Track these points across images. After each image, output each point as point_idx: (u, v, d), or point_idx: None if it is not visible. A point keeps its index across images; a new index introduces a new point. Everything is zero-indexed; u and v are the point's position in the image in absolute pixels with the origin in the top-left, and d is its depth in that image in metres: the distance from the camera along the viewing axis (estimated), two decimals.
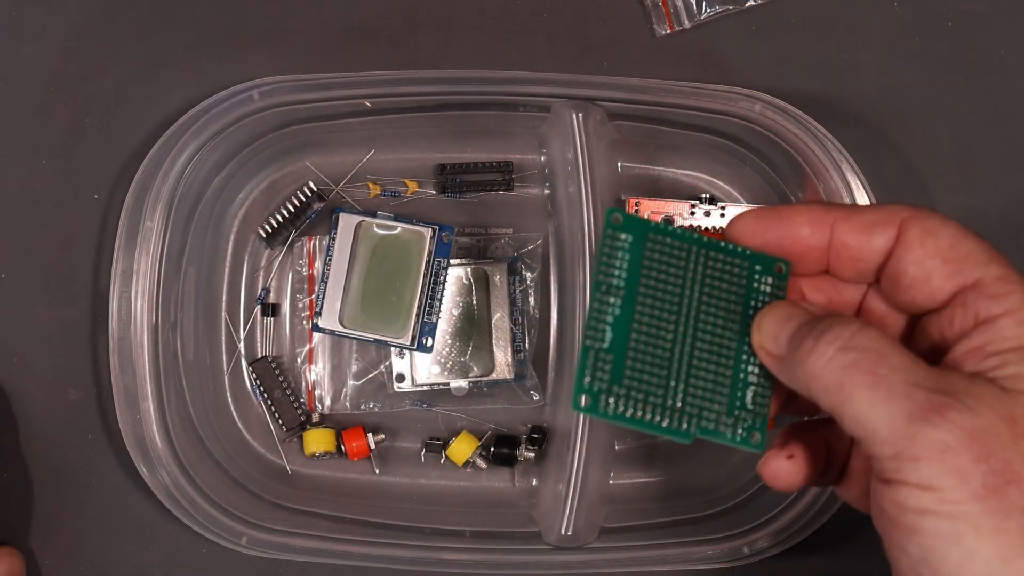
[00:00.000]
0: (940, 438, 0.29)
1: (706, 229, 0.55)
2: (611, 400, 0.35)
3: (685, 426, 0.35)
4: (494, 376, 0.56)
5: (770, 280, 0.36)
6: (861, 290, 0.36)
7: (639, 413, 0.35)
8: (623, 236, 0.35)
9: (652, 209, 0.56)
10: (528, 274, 0.57)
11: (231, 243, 0.57)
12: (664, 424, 0.35)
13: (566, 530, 0.51)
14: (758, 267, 0.36)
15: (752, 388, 0.36)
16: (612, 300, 0.35)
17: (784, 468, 0.37)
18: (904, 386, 0.30)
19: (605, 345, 0.35)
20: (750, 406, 0.36)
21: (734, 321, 0.36)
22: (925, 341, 0.34)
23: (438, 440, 0.57)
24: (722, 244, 0.36)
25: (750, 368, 0.36)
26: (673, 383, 0.35)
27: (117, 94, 0.56)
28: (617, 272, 0.35)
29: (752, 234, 0.36)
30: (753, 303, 0.36)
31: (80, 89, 0.56)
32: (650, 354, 0.35)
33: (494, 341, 0.56)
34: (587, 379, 0.35)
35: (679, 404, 0.35)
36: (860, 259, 0.35)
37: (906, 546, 0.30)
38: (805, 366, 0.32)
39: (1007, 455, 0.29)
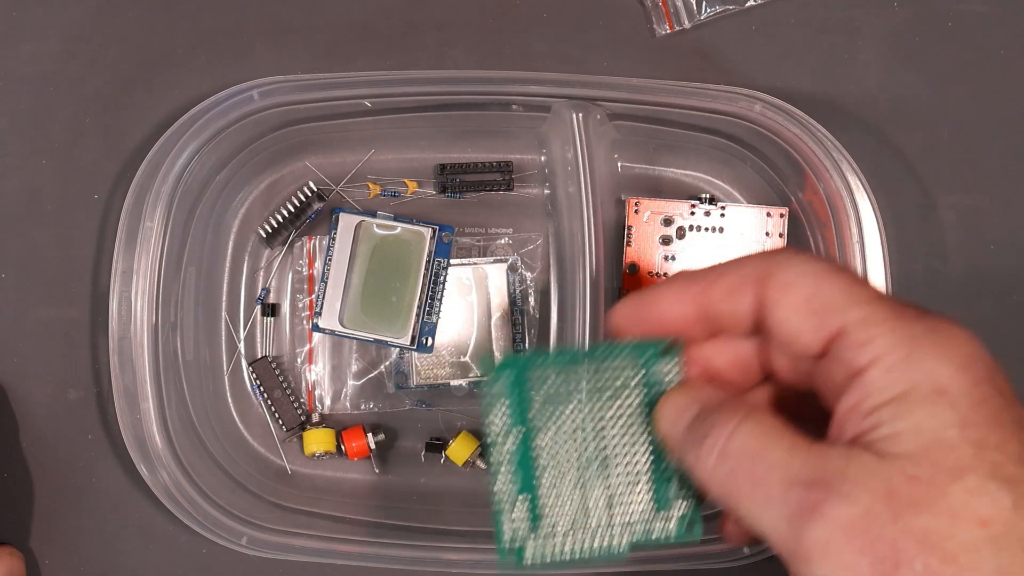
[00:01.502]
0: (821, 537, 0.29)
1: (706, 229, 0.55)
2: (539, 543, 0.34)
3: (618, 541, 0.34)
4: None
5: (664, 364, 0.35)
6: (755, 343, 0.35)
7: (571, 546, 0.34)
8: (501, 379, 0.35)
9: (652, 209, 0.55)
10: (528, 274, 0.57)
11: (231, 243, 0.57)
12: (598, 547, 0.34)
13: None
14: (647, 356, 0.35)
15: (673, 481, 0.35)
16: (508, 444, 0.34)
17: (737, 530, 0.36)
18: (781, 487, 0.30)
19: (517, 490, 0.34)
20: (676, 499, 0.35)
21: (639, 420, 0.35)
22: (823, 393, 0.33)
23: (438, 440, 0.57)
24: (601, 349, 0.35)
25: (665, 464, 0.35)
26: (593, 505, 0.34)
27: (117, 94, 0.56)
28: (504, 420, 0.34)
29: (629, 324, 0.35)
30: (654, 393, 0.35)
31: (80, 89, 0.56)
32: (563, 481, 0.34)
33: (494, 341, 0.56)
34: (507, 532, 0.34)
35: (604, 523, 0.34)
36: (735, 323, 0.34)
37: None
38: (696, 470, 0.32)
39: (891, 536, 0.28)
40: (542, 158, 0.57)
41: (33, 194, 0.56)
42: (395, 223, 0.55)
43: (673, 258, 0.56)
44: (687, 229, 0.55)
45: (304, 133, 0.55)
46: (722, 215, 0.55)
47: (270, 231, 0.56)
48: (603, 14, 0.57)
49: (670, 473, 0.35)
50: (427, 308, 0.55)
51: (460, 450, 0.56)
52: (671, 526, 0.35)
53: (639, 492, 0.35)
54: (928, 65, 0.57)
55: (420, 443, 0.57)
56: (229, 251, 0.57)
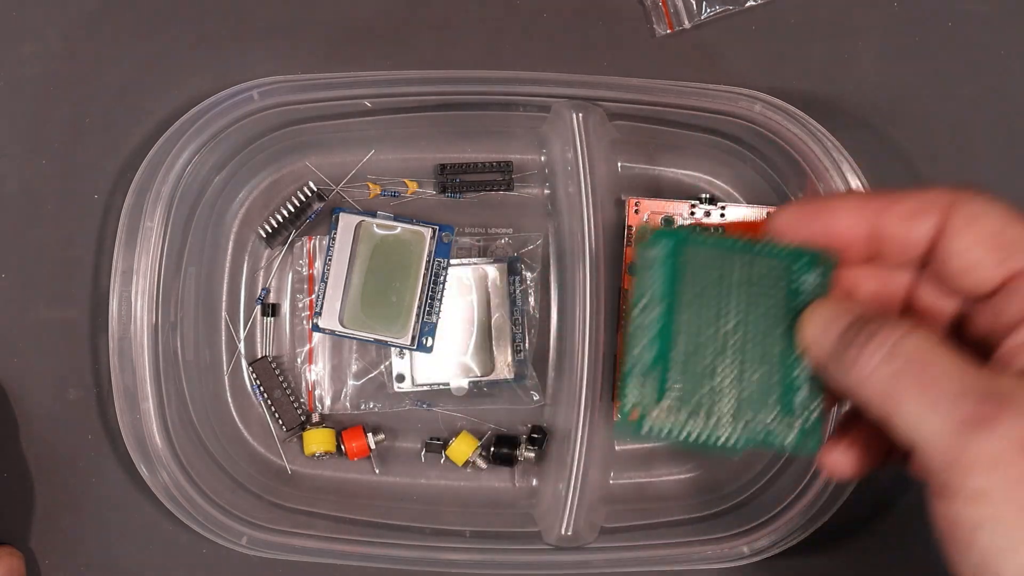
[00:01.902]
0: (990, 449, 0.29)
1: (706, 229, 0.55)
2: (658, 416, 0.34)
3: (735, 437, 0.34)
4: (494, 376, 0.56)
5: (814, 275, 0.35)
6: (910, 275, 0.35)
7: (687, 428, 0.34)
8: (658, 248, 0.35)
9: (652, 209, 0.55)
10: (528, 274, 0.57)
11: (231, 243, 0.57)
12: (712, 438, 0.34)
13: (566, 530, 0.51)
14: (801, 263, 0.35)
15: (802, 391, 0.35)
16: (652, 314, 0.34)
17: (843, 460, 0.35)
18: (952, 394, 0.30)
19: (650, 361, 0.34)
20: (801, 409, 0.34)
21: (779, 323, 0.35)
22: (977, 329, 0.33)
23: (438, 440, 0.57)
24: (759, 245, 0.35)
25: (798, 371, 0.35)
26: (720, 393, 0.34)
27: (117, 94, 0.56)
28: (655, 285, 0.34)
29: (793, 229, 0.35)
30: (798, 301, 0.35)
31: (80, 89, 0.56)
32: (695, 365, 0.34)
33: (494, 341, 0.56)
34: (632, 397, 0.34)
35: (728, 415, 0.34)
36: (905, 248, 0.34)
37: (962, 560, 0.29)
38: (851, 373, 0.31)
39: None
40: (542, 158, 0.57)
41: (33, 194, 0.56)
42: (395, 223, 0.55)
43: None
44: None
45: (304, 133, 0.55)
46: (722, 215, 0.55)
47: (270, 231, 0.56)
48: (603, 14, 0.57)
49: (800, 382, 0.34)
50: (427, 308, 0.55)
51: (460, 450, 0.56)
52: (791, 435, 0.35)
53: (767, 393, 0.34)
54: (928, 65, 0.57)
55: (420, 443, 0.57)
56: (229, 251, 0.57)
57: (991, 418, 0.29)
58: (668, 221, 0.55)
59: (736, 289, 0.35)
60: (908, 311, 0.36)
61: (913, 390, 0.30)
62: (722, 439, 0.34)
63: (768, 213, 0.55)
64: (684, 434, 0.34)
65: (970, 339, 0.33)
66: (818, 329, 0.33)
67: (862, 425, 0.35)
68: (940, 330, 0.35)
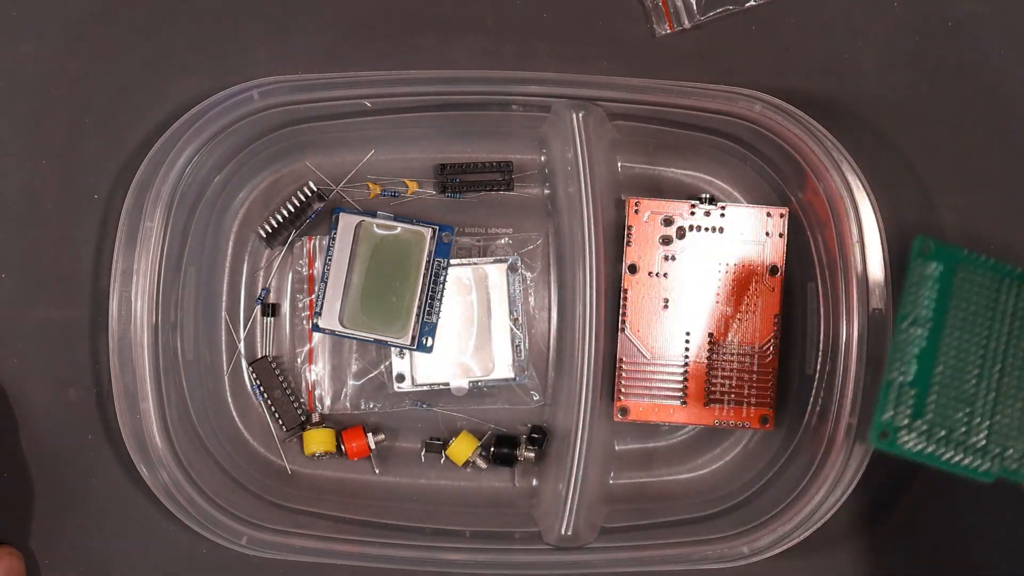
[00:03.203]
0: None
1: (706, 229, 0.55)
2: (911, 436, 0.34)
3: (987, 465, 0.34)
4: (494, 376, 0.56)
5: None
6: None
7: (939, 450, 0.34)
8: (933, 266, 0.34)
9: (652, 209, 0.55)
10: (528, 274, 0.57)
11: (231, 243, 0.57)
12: (964, 463, 0.34)
13: (566, 530, 0.51)
14: None
15: None
16: (918, 332, 0.34)
17: None
18: None
19: (910, 378, 0.34)
20: None
21: None
22: None
23: (438, 440, 0.57)
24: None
25: None
26: (977, 420, 0.34)
27: (117, 94, 0.56)
28: (925, 303, 0.34)
29: None
30: None
31: (80, 89, 0.56)
32: (954, 389, 0.34)
33: (494, 341, 0.56)
34: (888, 413, 0.34)
35: (982, 442, 0.34)
36: None
37: None
38: None
39: None
40: (542, 158, 0.57)
41: (33, 194, 0.56)
42: (395, 223, 0.55)
43: (673, 258, 0.56)
44: (687, 229, 0.55)
45: (304, 133, 0.55)
46: (722, 215, 0.55)
47: (270, 231, 0.56)
48: (603, 14, 0.57)
49: None
50: (427, 308, 0.55)
51: (460, 450, 0.56)
52: None
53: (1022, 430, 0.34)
54: (928, 65, 0.57)
55: (420, 443, 0.57)
56: (229, 251, 0.57)
57: None
58: (667, 221, 0.55)
59: (1005, 318, 0.34)
60: None
61: None
62: (973, 465, 0.34)
63: (780, 215, 0.55)
64: (935, 456, 0.34)
65: None
66: None
67: None
68: None
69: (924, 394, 0.34)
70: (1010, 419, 0.34)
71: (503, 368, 0.56)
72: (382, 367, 0.57)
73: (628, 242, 0.55)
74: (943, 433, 0.34)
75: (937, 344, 0.34)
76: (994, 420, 0.34)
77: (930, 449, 0.34)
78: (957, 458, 0.34)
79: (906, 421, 0.34)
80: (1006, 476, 0.34)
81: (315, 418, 0.57)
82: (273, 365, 0.56)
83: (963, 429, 0.34)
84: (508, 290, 0.56)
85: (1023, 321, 0.34)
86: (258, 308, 0.57)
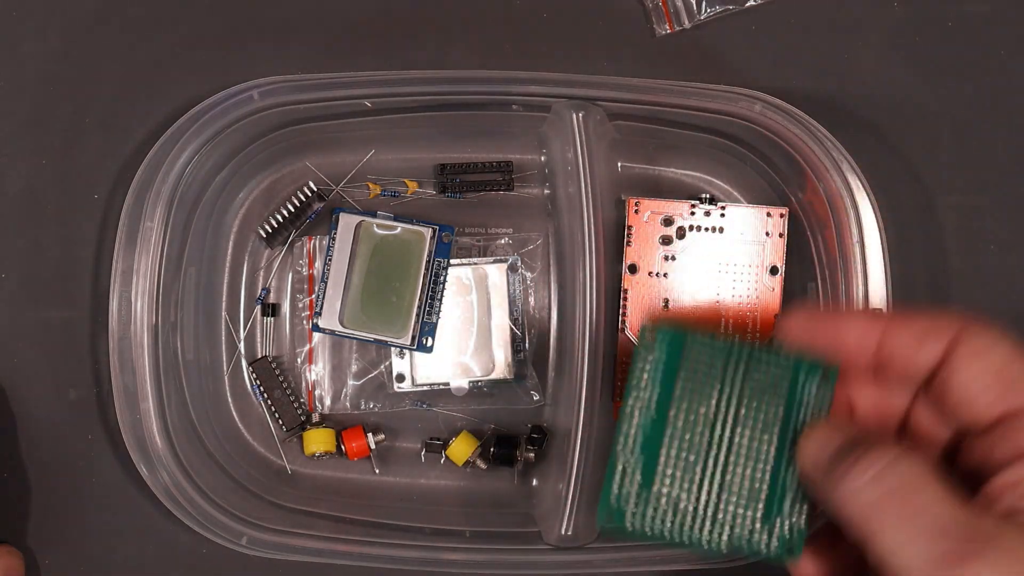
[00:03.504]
0: None
1: (706, 229, 0.55)
2: (638, 511, 0.34)
3: (716, 538, 0.35)
4: (494, 376, 0.56)
5: (817, 385, 0.35)
6: (910, 395, 0.36)
7: (667, 524, 0.34)
8: (656, 351, 0.35)
9: (652, 209, 0.55)
10: (528, 274, 0.57)
11: (231, 243, 0.57)
12: (695, 536, 0.35)
13: (566, 530, 0.51)
14: (802, 374, 0.35)
15: (789, 498, 0.35)
16: (643, 406, 0.35)
17: (811, 573, 0.36)
18: (935, 528, 0.30)
19: (635, 453, 0.35)
20: (787, 515, 0.35)
21: (774, 427, 0.35)
22: (970, 459, 0.34)
23: (438, 440, 0.57)
24: (763, 352, 0.35)
25: (788, 475, 0.35)
26: (706, 491, 0.35)
27: (117, 94, 0.56)
28: (648, 378, 0.35)
29: (803, 335, 0.35)
30: (796, 411, 0.35)
31: (80, 89, 0.56)
32: (683, 460, 0.35)
33: (494, 341, 0.56)
34: (615, 488, 0.34)
35: (711, 512, 0.35)
36: (909, 369, 0.34)
37: None
38: (837, 491, 0.32)
39: None
40: (542, 158, 0.57)
41: (33, 194, 0.56)
42: (395, 223, 0.55)
43: (673, 258, 0.56)
44: (687, 229, 0.55)
45: (304, 133, 0.55)
46: (722, 215, 0.55)
47: (270, 231, 0.56)
48: (603, 14, 0.57)
49: (785, 491, 0.35)
50: (427, 308, 0.55)
51: (460, 450, 0.56)
52: (773, 543, 0.35)
53: (751, 499, 0.35)
54: (928, 65, 0.57)
55: (420, 443, 0.57)
56: (229, 251, 0.57)
57: (970, 557, 0.29)
58: (667, 221, 0.55)
59: (734, 389, 0.35)
60: (905, 431, 0.36)
61: (896, 517, 0.30)
62: (704, 538, 0.35)
63: (780, 215, 0.55)
64: (665, 531, 0.35)
65: (962, 467, 0.34)
66: (814, 446, 0.34)
67: (838, 542, 0.36)
68: (933, 455, 0.35)
69: (652, 467, 0.35)
70: (739, 488, 0.35)
71: (503, 368, 0.56)
72: (382, 367, 0.57)
73: (628, 242, 0.55)
74: (671, 505, 0.35)
75: (665, 417, 0.35)
76: (723, 490, 0.35)
77: (661, 522, 0.35)
78: (688, 531, 0.35)
79: (634, 495, 0.35)
80: (735, 551, 0.35)
81: (315, 418, 0.57)
82: (273, 365, 0.56)
83: (693, 500, 0.35)
84: (508, 290, 0.56)
85: (750, 393, 0.35)
86: (258, 308, 0.57)
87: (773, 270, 0.55)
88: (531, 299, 0.57)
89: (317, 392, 0.57)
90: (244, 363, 0.57)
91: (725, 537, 0.35)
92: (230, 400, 0.57)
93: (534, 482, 0.57)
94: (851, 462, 0.32)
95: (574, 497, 0.51)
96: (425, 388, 0.56)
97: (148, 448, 0.52)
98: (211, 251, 0.56)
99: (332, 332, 0.55)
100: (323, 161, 0.57)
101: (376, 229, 0.55)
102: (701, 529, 0.35)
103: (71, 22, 0.56)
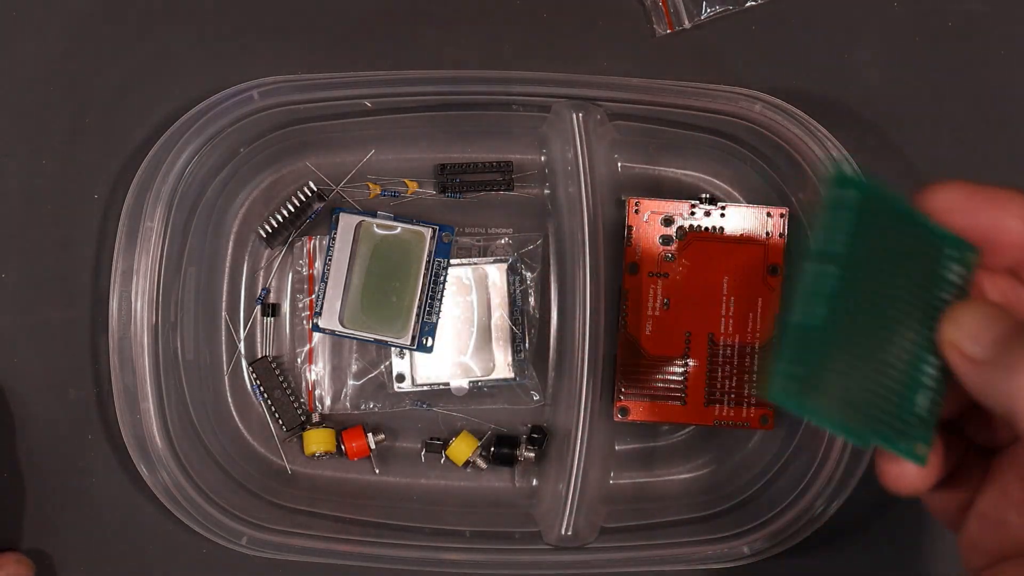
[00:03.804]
0: None
1: (706, 229, 0.55)
2: (814, 389, 0.30)
3: (863, 431, 0.31)
4: (494, 376, 0.56)
5: (957, 268, 0.32)
6: None
7: (836, 409, 0.30)
8: (850, 194, 0.30)
9: (652, 209, 0.55)
10: (528, 274, 0.57)
11: (231, 243, 0.57)
12: (851, 424, 0.31)
13: (566, 530, 0.51)
14: (948, 251, 0.32)
15: (926, 392, 0.32)
16: (831, 270, 0.30)
17: (911, 473, 0.33)
18: None
19: (818, 323, 0.30)
20: (922, 412, 0.31)
21: (916, 310, 0.31)
22: None
23: (438, 440, 0.57)
24: (922, 219, 0.31)
25: (928, 368, 0.31)
26: (868, 378, 0.31)
27: (117, 94, 0.56)
28: (835, 238, 0.30)
29: (957, 212, 0.32)
30: (937, 292, 0.32)
31: (80, 89, 0.56)
32: (854, 342, 0.30)
33: (494, 341, 0.56)
34: (792, 363, 0.30)
35: (862, 403, 0.31)
36: None
37: None
38: (1013, 379, 0.29)
39: None
40: (542, 158, 0.57)
41: (33, 194, 0.56)
42: (395, 223, 0.55)
43: (673, 258, 0.56)
44: (687, 229, 0.55)
45: (304, 133, 0.55)
46: (722, 215, 0.55)
47: (270, 231, 0.56)
48: (603, 14, 0.57)
49: (921, 385, 0.31)
50: (427, 308, 0.55)
51: (460, 450, 0.56)
52: (904, 440, 0.31)
53: (893, 389, 0.31)
54: (928, 65, 0.57)
55: (420, 443, 0.57)
56: (229, 251, 0.57)
57: None
58: (667, 221, 0.55)
59: (897, 262, 0.31)
60: None
61: None
62: (853, 428, 0.31)
63: (780, 215, 0.55)
64: (831, 417, 0.30)
65: None
66: (977, 323, 0.30)
67: (943, 439, 0.33)
68: None
69: (828, 346, 0.30)
70: (887, 378, 0.31)
71: (503, 368, 0.56)
72: (382, 367, 0.57)
73: (628, 242, 0.55)
74: (839, 391, 0.30)
75: (844, 288, 0.30)
76: (878, 379, 0.31)
77: (829, 407, 0.30)
78: (840, 419, 0.30)
79: (811, 373, 0.30)
80: (878, 441, 0.31)
81: (315, 418, 0.57)
82: (273, 365, 0.56)
83: (857, 387, 0.31)
84: (508, 290, 0.56)
85: (905, 267, 0.31)
86: (258, 308, 0.57)
87: (773, 270, 0.55)
88: (531, 299, 0.57)
89: (317, 392, 0.57)
90: (244, 363, 0.57)
91: (872, 433, 0.31)
92: (230, 400, 0.57)
93: (534, 482, 0.57)
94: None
95: (574, 497, 0.51)
96: (425, 388, 0.56)
97: (148, 448, 0.52)
98: (211, 251, 0.56)
99: (332, 332, 0.55)
100: (323, 161, 0.57)
101: (376, 229, 0.55)
102: (853, 419, 0.31)
103: (71, 22, 0.56)
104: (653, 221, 0.56)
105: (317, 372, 0.57)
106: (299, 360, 0.57)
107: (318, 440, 0.56)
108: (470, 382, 0.56)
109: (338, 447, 0.56)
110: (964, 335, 0.31)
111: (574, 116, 0.52)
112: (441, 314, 0.56)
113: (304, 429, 0.56)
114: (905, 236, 0.31)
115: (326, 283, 0.55)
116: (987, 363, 0.30)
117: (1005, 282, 0.33)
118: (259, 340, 0.57)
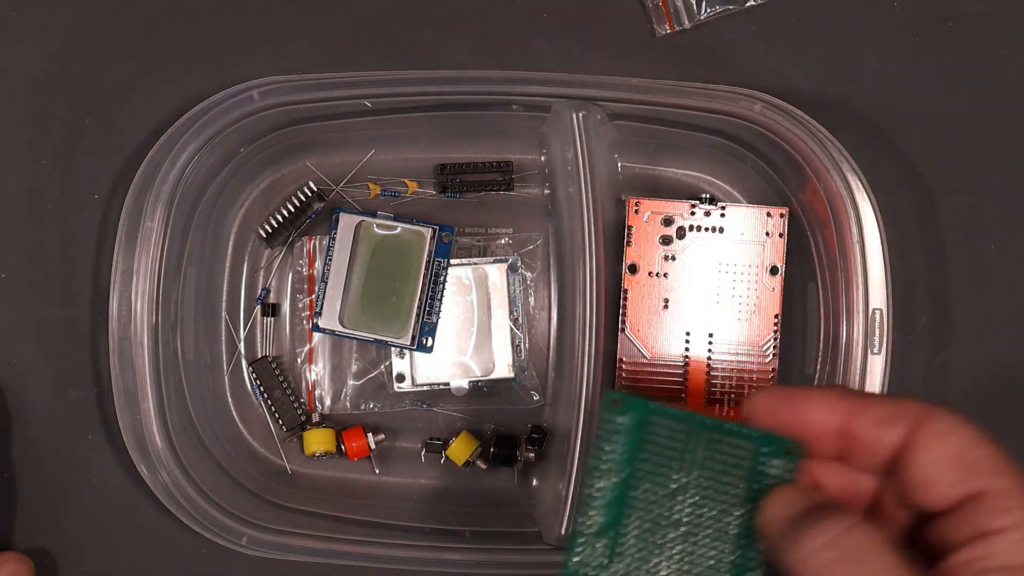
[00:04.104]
0: None
1: (706, 229, 0.55)
2: None
3: None
4: (494, 376, 0.56)
5: (778, 462, 0.35)
6: (876, 479, 0.36)
7: None
8: (620, 420, 0.35)
9: (652, 209, 0.55)
10: (528, 274, 0.57)
11: (231, 243, 0.57)
12: None
13: (566, 530, 0.51)
14: (765, 449, 0.35)
15: (752, 574, 0.35)
16: (608, 483, 0.35)
17: None
18: None
19: (595, 530, 0.35)
20: None
21: (738, 505, 0.35)
22: (930, 540, 0.34)
23: (438, 440, 0.57)
24: (726, 426, 0.36)
25: (751, 553, 0.35)
26: (669, 569, 0.35)
27: (117, 94, 0.56)
28: (613, 454, 0.35)
29: (767, 414, 0.36)
30: (762, 485, 0.35)
31: (80, 89, 0.56)
32: (646, 538, 0.35)
33: (494, 341, 0.56)
34: (576, 559, 0.35)
35: None
36: (872, 452, 0.34)
37: None
38: (792, 554, 0.32)
39: None
40: (542, 158, 0.57)
41: (33, 194, 0.56)
42: (395, 223, 0.55)
43: (673, 258, 0.56)
44: (687, 229, 0.55)
45: (304, 133, 0.55)
46: (722, 215, 0.55)
47: (270, 231, 0.56)
48: (603, 14, 0.57)
49: (753, 566, 0.35)
50: (427, 308, 0.55)
51: (460, 450, 0.56)
52: None
53: (716, 573, 0.35)
54: (928, 65, 0.57)
55: (420, 443, 0.57)
56: (229, 251, 0.57)
57: None
58: (667, 221, 0.55)
59: (698, 466, 0.35)
60: (873, 513, 0.36)
61: None
62: None
63: (780, 215, 0.55)
64: None
65: (923, 547, 0.34)
66: (776, 509, 0.34)
67: None
68: (894, 531, 0.35)
69: (616, 543, 0.35)
70: (702, 567, 0.35)
71: (503, 368, 0.56)
72: (382, 367, 0.57)
73: (628, 242, 0.55)
74: None
75: (629, 493, 0.35)
76: (688, 568, 0.35)
77: None
78: None
79: (598, 568, 0.35)
80: None
81: (315, 418, 0.57)
82: (273, 365, 0.56)
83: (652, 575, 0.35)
84: (508, 290, 0.56)
85: (717, 470, 0.35)
86: (258, 308, 0.57)
87: (773, 270, 0.55)
88: (531, 299, 0.57)
89: (317, 392, 0.57)
90: (244, 363, 0.57)
91: None
92: (230, 400, 0.57)
93: (534, 482, 0.57)
94: (808, 525, 0.32)
95: (574, 497, 0.51)
96: (425, 388, 0.56)
97: (148, 448, 0.52)
98: (211, 251, 0.56)
99: (332, 332, 0.55)
100: (323, 161, 0.57)
101: (376, 229, 0.55)
102: None
103: (71, 22, 0.56)
104: (653, 221, 0.56)
105: (317, 372, 0.57)
106: (299, 360, 0.57)
107: (318, 440, 0.56)
108: (470, 382, 0.56)
109: (338, 447, 0.56)
110: (767, 520, 0.34)
111: (574, 116, 0.52)
112: (441, 314, 0.56)
113: (304, 429, 0.56)
114: (714, 444, 0.35)
115: (326, 283, 0.55)
116: (781, 537, 0.33)
117: (834, 469, 0.36)
118: (259, 340, 0.57)
